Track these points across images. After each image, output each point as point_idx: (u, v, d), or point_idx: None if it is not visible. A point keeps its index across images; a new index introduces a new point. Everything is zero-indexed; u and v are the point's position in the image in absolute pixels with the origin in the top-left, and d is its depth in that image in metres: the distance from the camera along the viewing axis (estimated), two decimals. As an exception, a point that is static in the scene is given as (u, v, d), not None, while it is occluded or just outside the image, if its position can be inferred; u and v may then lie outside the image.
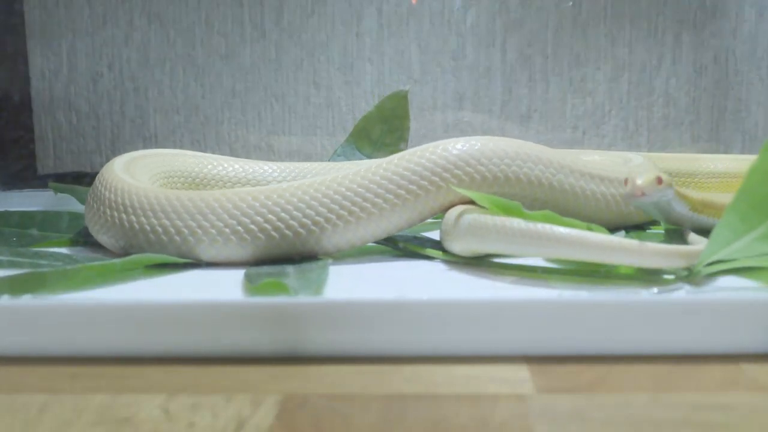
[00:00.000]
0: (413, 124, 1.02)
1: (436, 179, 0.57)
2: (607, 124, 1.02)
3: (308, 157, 1.03)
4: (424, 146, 0.58)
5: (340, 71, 1.03)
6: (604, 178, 0.61)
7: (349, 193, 0.56)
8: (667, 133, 1.02)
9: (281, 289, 0.46)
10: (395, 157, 0.58)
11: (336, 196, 0.55)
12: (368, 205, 0.56)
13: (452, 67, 1.03)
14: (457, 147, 0.57)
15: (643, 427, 0.32)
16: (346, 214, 0.55)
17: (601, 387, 0.36)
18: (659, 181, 0.51)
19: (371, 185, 0.56)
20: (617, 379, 0.37)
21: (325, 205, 0.55)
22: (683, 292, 0.47)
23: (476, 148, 0.57)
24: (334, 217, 0.55)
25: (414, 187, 0.56)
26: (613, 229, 0.59)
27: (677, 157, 0.87)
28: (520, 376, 0.38)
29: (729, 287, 0.48)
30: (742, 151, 1.02)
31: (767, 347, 0.40)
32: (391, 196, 0.56)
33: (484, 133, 1.03)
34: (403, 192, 0.56)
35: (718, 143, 1.02)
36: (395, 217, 0.56)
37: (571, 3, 1.01)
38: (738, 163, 0.84)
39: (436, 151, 0.57)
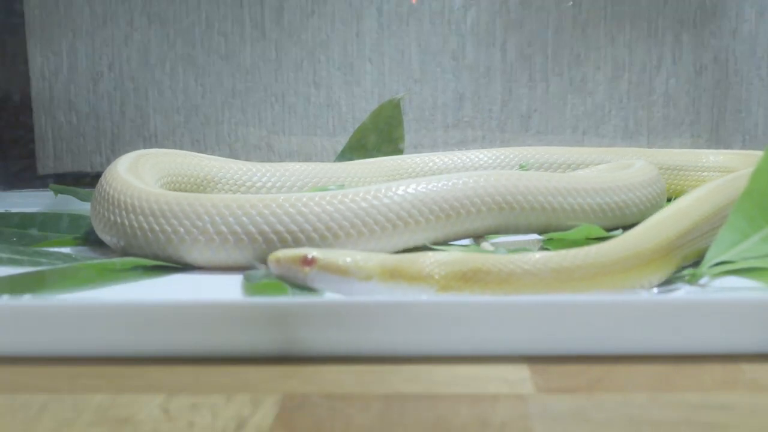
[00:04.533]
0: (413, 125, 1.02)
1: (447, 207, 0.59)
2: (607, 124, 1.02)
3: (308, 158, 1.03)
4: (435, 178, 0.60)
5: (340, 71, 1.03)
6: (599, 190, 0.64)
7: (361, 211, 0.56)
8: (667, 133, 1.02)
9: (280, 289, 0.46)
10: (410, 183, 0.59)
11: (344, 211, 0.56)
12: (375, 225, 0.56)
13: (452, 67, 1.03)
14: (470, 180, 0.60)
15: (643, 427, 0.32)
16: (351, 229, 0.56)
17: (601, 387, 0.36)
18: (305, 261, 0.46)
19: (382, 207, 0.57)
20: (617, 379, 0.37)
21: (332, 218, 0.55)
22: (683, 292, 0.47)
23: (481, 182, 0.60)
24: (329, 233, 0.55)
25: (416, 212, 0.58)
26: (610, 229, 0.60)
27: (677, 152, 0.87)
28: (520, 376, 0.38)
29: (729, 287, 0.48)
30: (742, 152, 1.02)
31: (767, 347, 0.40)
32: (399, 221, 0.57)
33: (484, 133, 1.03)
34: (411, 218, 0.57)
35: (718, 143, 1.02)
36: (405, 238, 0.58)
37: (571, 3, 1.01)
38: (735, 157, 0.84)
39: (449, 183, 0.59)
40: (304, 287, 0.47)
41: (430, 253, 0.47)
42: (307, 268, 0.45)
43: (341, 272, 0.45)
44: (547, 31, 1.02)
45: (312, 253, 0.46)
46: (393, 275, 0.46)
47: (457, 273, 0.46)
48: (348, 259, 0.46)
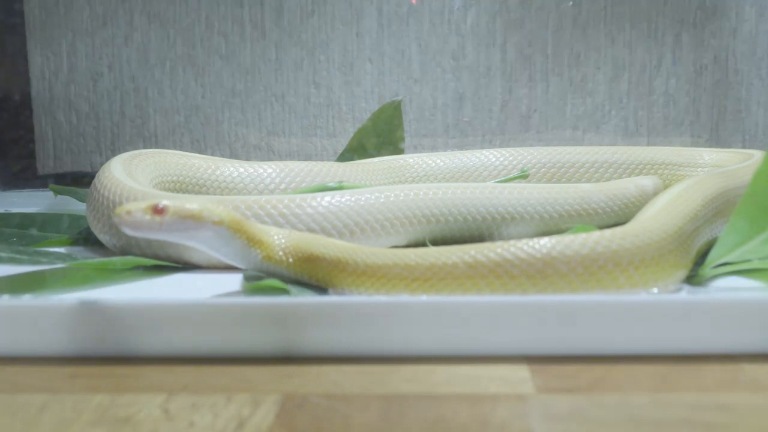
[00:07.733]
0: (413, 125, 1.02)
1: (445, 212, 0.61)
2: (607, 124, 1.02)
3: (308, 158, 1.03)
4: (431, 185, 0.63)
5: (340, 71, 1.03)
6: (604, 194, 0.68)
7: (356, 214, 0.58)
8: (667, 133, 1.02)
9: (279, 289, 0.46)
10: (397, 188, 0.61)
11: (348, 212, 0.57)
12: (365, 225, 0.58)
13: (452, 67, 1.03)
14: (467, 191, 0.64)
15: (643, 427, 0.32)
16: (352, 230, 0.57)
17: (601, 387, 0.36)
18: (156, 210, 0.45)
19: (372, 209, 0.59)
20: (617, 379, 0.37)
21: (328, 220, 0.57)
22: (683, 292, 0.47)
23: (479, 193, 0.64)
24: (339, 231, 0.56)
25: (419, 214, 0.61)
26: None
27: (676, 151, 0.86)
28: (520, 376, 0.38)
29: (729, 287, 0.48)
30: (742, 152, 1.02)
31: (767, 347, 0.40)
32: (387, 222, 0.59)
33: (484, 133, 1.03)
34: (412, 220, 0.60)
35: (719, 143, 1.02)
36: (392, 240, 0.60)
37: (571, 3, 1.01)
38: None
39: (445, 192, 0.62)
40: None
41: (279, 229, 0.50)
42: (158, 217, 0.44)
43: (194, 217, 0.45)
44: (547, 31, 1.02)
45: (163, 201, 0.45)
46: (238, 229, 0.47)
47: (297, 250, 0.48)
48: (198, 205, 0.46)
